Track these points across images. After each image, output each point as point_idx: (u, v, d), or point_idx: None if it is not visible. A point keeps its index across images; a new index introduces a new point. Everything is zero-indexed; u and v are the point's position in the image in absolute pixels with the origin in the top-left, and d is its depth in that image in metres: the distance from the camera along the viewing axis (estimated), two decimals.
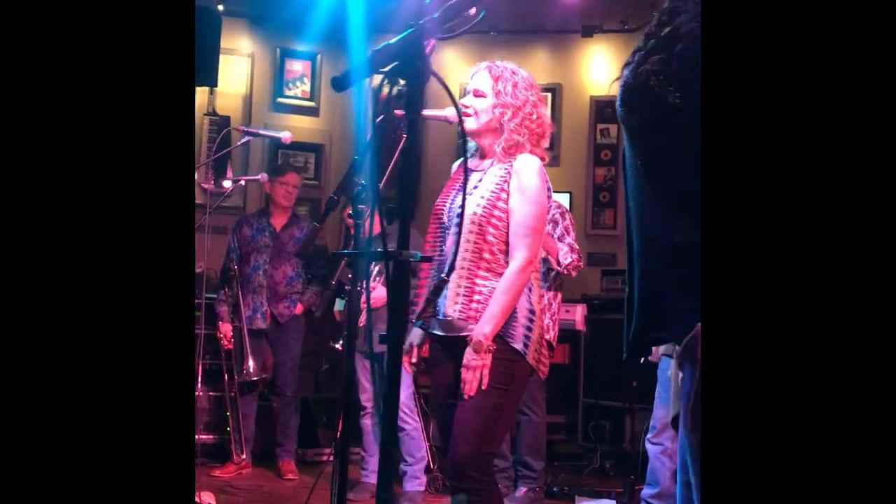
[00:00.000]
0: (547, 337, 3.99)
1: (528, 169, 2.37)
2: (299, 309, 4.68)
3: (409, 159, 1.29)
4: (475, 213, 2.37)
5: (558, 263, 3.99)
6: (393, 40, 1.31)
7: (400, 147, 2.88)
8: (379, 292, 4.09)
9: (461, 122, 1.56)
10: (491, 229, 2.35)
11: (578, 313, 4.84)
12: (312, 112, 6.30)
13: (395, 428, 1.23)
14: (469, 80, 2.55)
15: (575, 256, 4.02)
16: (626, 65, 1.54)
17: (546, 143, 2.53)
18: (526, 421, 4.15)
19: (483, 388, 2.25)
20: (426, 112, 2.82)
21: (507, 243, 2.36)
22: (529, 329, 2.33)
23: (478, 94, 2.48)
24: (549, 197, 2.45)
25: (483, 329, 2.25)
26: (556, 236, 4.05)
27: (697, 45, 1.38)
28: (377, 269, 4.10)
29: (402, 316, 1.26)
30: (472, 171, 2.50)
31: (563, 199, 5.63)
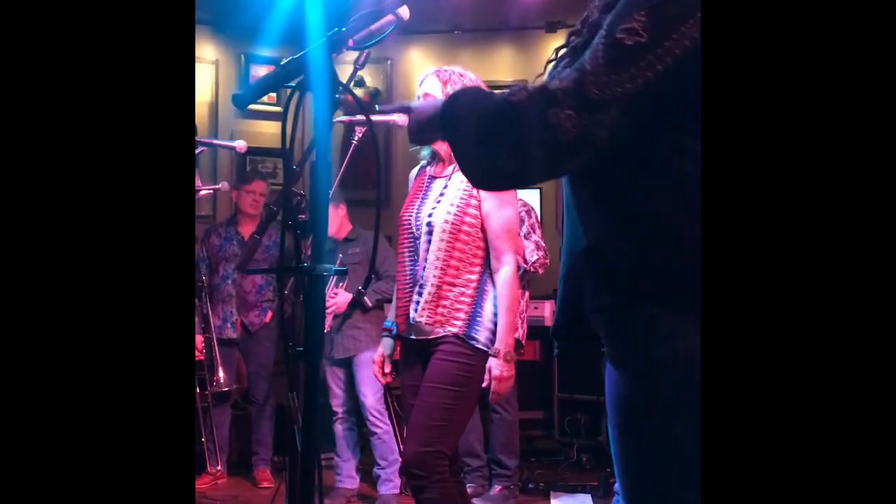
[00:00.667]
0: (516, 335, 4.02)
1: None
2: (270, 317, 4.68)
3: (320, 172, 1.30)
4: (445, 221, 2.41)
5: (525, 261, 4.01)
6: (299, 54, 1.32)
7: (349, 153, 2.89)
8: (342, 297, 4.11)
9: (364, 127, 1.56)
10: (462, 236, 2.41)
11: (547, 309, 4.86)
12: (280, 116, 6.27)
13: (316, 444, 1.24)
14: (418, 87, 2.58)
15: (541, 254, 4.04)
16: (548, 62, 1.53)
17: None
18: (498, 419, 4.16)
19: (441, 387, 2.31)
20: (374, 117, 2.86)
21: (480, 248, 2.42)
22: (493, 332, 2.38)
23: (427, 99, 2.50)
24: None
25: (508, 340, 2.38)
26: (522, 234, 4.08)
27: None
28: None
29: (317, 330, 1.27)
30: (436, 178, 2.54)
31: (534, 196, 5.64)
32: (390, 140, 6.14)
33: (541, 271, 4.10)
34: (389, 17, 1.41)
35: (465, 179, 2.45)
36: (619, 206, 1.29)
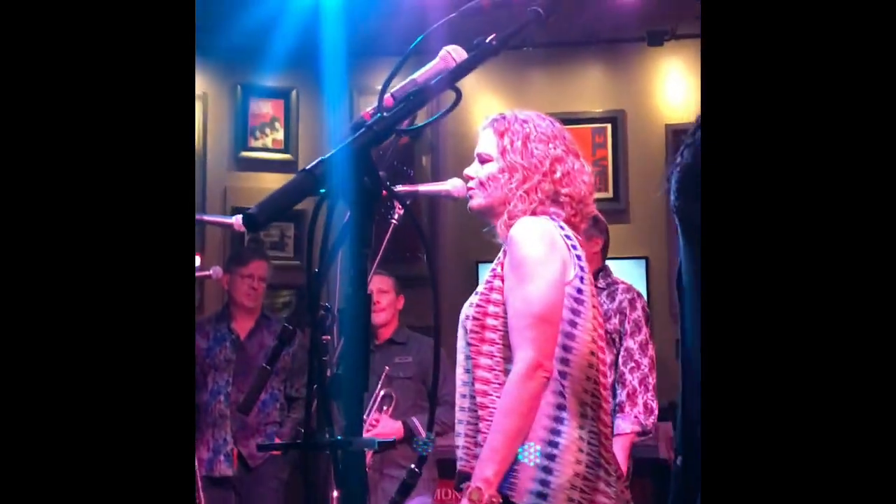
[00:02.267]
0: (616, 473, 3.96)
1: (522, 234, 2.36)
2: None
3: (358, 304, 1.33)
4: (467, 318, 2.42)
5: (639, 423, 3.99)
6: (330, 153, 1.37)
7: (387, 234, 2.95)
8: (385, 426, 4.11)
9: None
10: (489, 334, 2.38)
11: (661, 434, 4.79)
12: (289, 167, 6.37)
13: None
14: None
15: (651, 399, 3.99)
16: (688, 145, 1.62)
17: (587, 207, 2.52)
18: None
19: None
20: (422, 188, 2.94)
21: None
22: (548, 470, 2.27)
23: (483, 160, 2.52)
24: (581, 266, 2.38)
25: (483, 472, 2.22)
26: (625, 333, 4.02)
27: None
28: (381, 394, 4.16)
29: None
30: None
31: (637, 269, 5.65)
32: (436, 214, 6.19)
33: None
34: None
35: (500, 259, 2.42)
36: None
